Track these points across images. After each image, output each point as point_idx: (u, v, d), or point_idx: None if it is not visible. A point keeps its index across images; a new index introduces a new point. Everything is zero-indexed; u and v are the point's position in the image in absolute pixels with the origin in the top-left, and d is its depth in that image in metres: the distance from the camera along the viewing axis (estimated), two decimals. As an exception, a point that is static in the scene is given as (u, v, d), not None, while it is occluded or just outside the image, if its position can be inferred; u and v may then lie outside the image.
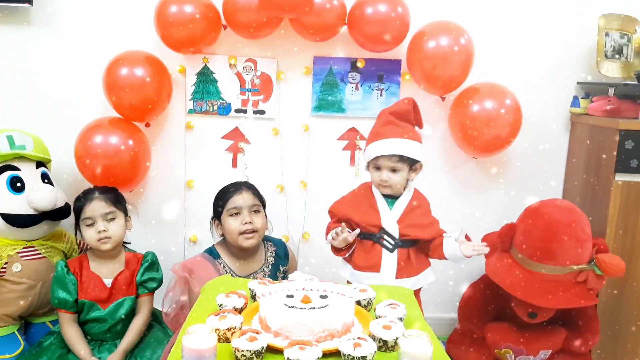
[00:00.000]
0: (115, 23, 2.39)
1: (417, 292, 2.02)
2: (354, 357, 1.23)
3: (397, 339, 1.30)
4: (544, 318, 2.03)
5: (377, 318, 1.42)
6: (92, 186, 2.15)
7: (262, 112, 2.50)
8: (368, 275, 1.95)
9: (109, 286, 2.03)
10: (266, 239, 2.22)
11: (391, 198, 1.98)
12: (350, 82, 2.49)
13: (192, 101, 2.48)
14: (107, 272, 2.05)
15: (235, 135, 2.52)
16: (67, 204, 2.19)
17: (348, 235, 1.90)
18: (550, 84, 2.53)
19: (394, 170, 1.92)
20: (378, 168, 1.94)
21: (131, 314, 2.05)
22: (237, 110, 2.49)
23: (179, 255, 2.54)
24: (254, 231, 2.07)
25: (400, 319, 1.41)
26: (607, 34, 2.39)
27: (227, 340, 1.32)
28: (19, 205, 2.07)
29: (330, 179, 2.53)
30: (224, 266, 2.09)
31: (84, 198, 2.04)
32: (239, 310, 1.46)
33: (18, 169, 2.10)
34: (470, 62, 2.31)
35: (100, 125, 2.28)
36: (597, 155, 2.32)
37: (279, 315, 1.33)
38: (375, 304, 1.50)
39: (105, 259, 2.06)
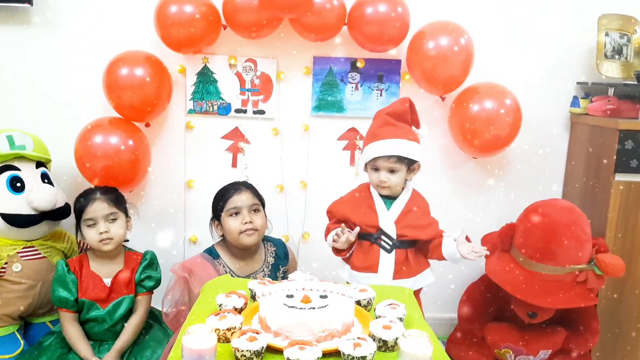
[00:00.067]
0: (115, 23, 2.39)
1: (417, 293, 2.01)
2: (354, 357, 1.23)
3: (397, 339, 1.30)
4: (544, 318, 2.03)
5: (377, 318, 1.42)
6: (92, 186, 2.15)
7: (262, 112, 2.50)
8: (365, 275, 1.95)
9: (109, 285, 2.03)
10: (266, 239, 2.22)
11: (389, 199, 1.97)
12: (350, 82, 2.49)
13: (192, 101, 2.48)
14: (107, 271, 2.05)
15: (235, 135, 2.52)
16: (67, 204, 2.19)
17: (349, 234, 1.90)
18: (550, 84, 2.53)
19: (392, 171, 1.92)
20: (376, 169, 1.93)
21: (130, 313, 2.06)
22: (237, 110, 2.49)
23: (179, 255, 2.53)
24: (254, 230, 2.07)
25: (400, 319, 1.41)
26: (607, 34, 2.39)
27: (227, 340, 1.32)
28: (19, 205, 2.07)
29: (330, 179, 2.53)
30: (223, 266, 2.09)
31: (85, 198, 2.04)
32: (239, 310, 1.46)
33: (18, 169, 2.10)
34: (470, 62, 2.31)
35: (100, 125, 2.28)
36: (597, 155, 2.32)
37: (279, 315, 1.33)
38: (375, 304, 1.50)
39: (105, 259, 2.06)
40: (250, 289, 1.58)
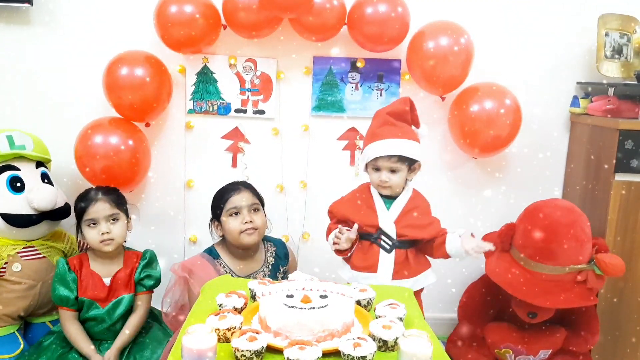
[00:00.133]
0: (115, 23, 2.39)
1: (418, 294, 2.01)
2: (354, 357, 1.23)
3: (397, 338, 1.30)
4: (544, 318, 2.03)
5: (377, 318, 1.42)
6: (92, 186, 2.15)
7: (262, 112, 2.50)
8: (365, 275, 1.94)
9: (108, 285, 2.03)
10: (266, 239, 2.22)
11: (389, 198, 1.97)
12: (350, 82, 2.49)
13: (192, 101, 2.48)
14: (106, 270, 2.05)
15: (235, 135, 2.52)
16: (67, 204, 2.19)
17: (349, 233, 1.90)
18: (550, 84, 2.53)
19: (393, 171, 1.91)
20: (377, 169, 1.93)
21: (130, 312, 2.06)
22: (237, 110, 2.49)
23: (179, 255, 2.54)
24: (254, 229, 2.07)
25: (400, 319, 1.41)
26: (606, 34, 2.39)
27: (227, 340, 1.32)
28: (19, 205, 2.07)
29: (330, 179, 2.53)
30: (223, 266, 2.09)
31: (87, 199, 2.03)
32: (239, 310, 1.46)
33: (18, 169, 2.10)
34: (470, 62, 2.31)
35: (100, 125, 2.28)
36: (597, 155, 2.32)
37: (279, 315, 1.33)
38: (375, 303, 1.50)
39: (105, 258, 2.06)
40: (250, 289, 1.58)
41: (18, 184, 2.08)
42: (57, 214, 2.15)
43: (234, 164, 2.54)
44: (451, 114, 2.42)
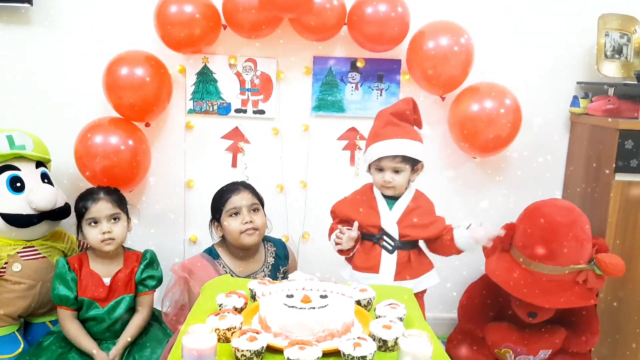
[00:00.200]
0: (115, 23, 2.39)
1: (421, 295, 2.01)
2: (354, 357, 1.23)
3: (397, 338, 1.30)
4: (544, 318, 2.03)
5: (377, 318, 1.42)
6: (92, 186, 2.15)
7: (262, 112, 2.50)
8: (367, 276, 1.94)
9: (108, 285, 2.03)
10: (266, 239, 2.22)
11: (392, 199, 1.97)
12: (350, 82, 2.49)
13: (192, 101, 2.48)
14: (106, 270, 2.05)
15: (235, 135, 2.52)
16: (67, 204, 2.19)
17: (350, 232, 1.90)
18: (550, 84, 2.53)
19: (396, 171, 1.91)
20: (380, 169, 1.93)
21: (129, 312, 2.06)
22: (237, 110, 2.49)
23: (179, 255, 2.53)
24: (254, 229, 2.07)
25: (400, 319, 1.41)
26: (606, 34, 2.39)
27: (227, 340, 1.32)
28: (19, 205, 2.07)
29: (330, 179, 2.53)
30: (223, 266, 2.09)
31: (88, 198, 2.03)
32: (239, 310, 1.46)
33: (18, 169, 2.10)
34: (470, 62, 2.31)
35: (100, 125, 2.28)
36: (597, 155, 2.32)
37: (279, 315, 1.33)
38: (375, 303, 1.50)
39: (105, 258, 2.06)
40: (250, 289, 1.58)
41: (18, 184, 2.08)
42: (57, 214, 2.15)
43: (234, 164, 2.54)
44: (451, 114, 2.43)
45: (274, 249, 2.22)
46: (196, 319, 1.43)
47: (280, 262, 2.20)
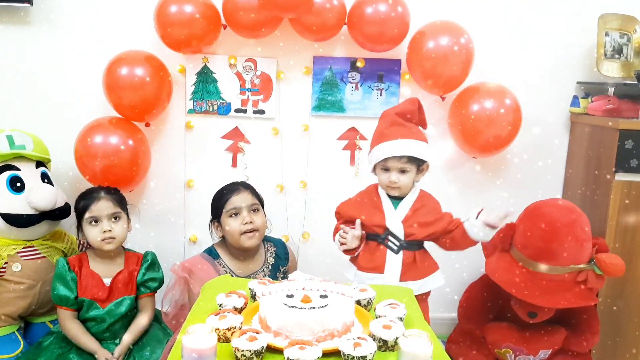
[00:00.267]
0: (115, 23, 2.39)
1: (425, 297, 2.00)
2: (354, 357, 1.23)
3: (397, 338, 1.30)
4: (544, 318, 2.03)
5: (377, 318, 1.42)
6: (92, 186, 2.15)
7: (262, 111, 2.50)
8: (371, 276, 1.93)
9: (108, 285, 2.03)
10: (266, 239, 2.22)
11: (396, 199, 1.96)
12: (350, 82, 2.49)
13: (192, 101, 2.48)
14: (106, 271, 2.04)
15: (235, 135, 2.52)
16: (67, 204, 2.19)
17: (354, 230, 1.90)
18: (550, 84, 2.53)
19: (402, 172, 1.91)
20: (386, 169, 1.92)
21: (130, 313, 2.05)
22: (237, 110, 2.49)
23: (179, 255, 2.53)
24: (254, 230, 2.07)
25: (400, 319, 1.41)
26: (606, 34, 2.39)
27: (227, 340, 1.32)
28: (19, 205, 2.07)
29: (330, 179, 2.53)
30: (223, 266, 2.09)
31: (89, 197, 2.03)
32: (239, 310, 1.46)
33: (18, 169, 2.10)
34: (470, 62, 2.31)
35: (100, 125, 2.28)
36: (596, 154, 2.32)
37: (279, 315, 1.33)
38: (375, 303, 1.50)
39: (105, 259, 2.06)
40: (250, 289, 1.58)
41: (18, 184, 2.08)
42: (57, 214, 2.15)
43: (234, 164, 2.54)
44: (451, 114, 2.43)
45: (274, 249, 2.22)
46: (196, 319, 1.43)
47: (280, 262, 2.20)
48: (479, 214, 1.87)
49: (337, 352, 1.27)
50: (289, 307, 1.33)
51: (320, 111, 2.51)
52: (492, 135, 2.31)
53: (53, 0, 2.36)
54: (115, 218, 2.04)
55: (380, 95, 2.50)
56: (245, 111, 2.49)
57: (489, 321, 2.21)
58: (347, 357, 1.24)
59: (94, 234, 2.00)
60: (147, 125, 2.41)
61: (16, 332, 2.13)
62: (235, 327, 1.34)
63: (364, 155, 2.51)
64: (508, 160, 2.58)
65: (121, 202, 2.08)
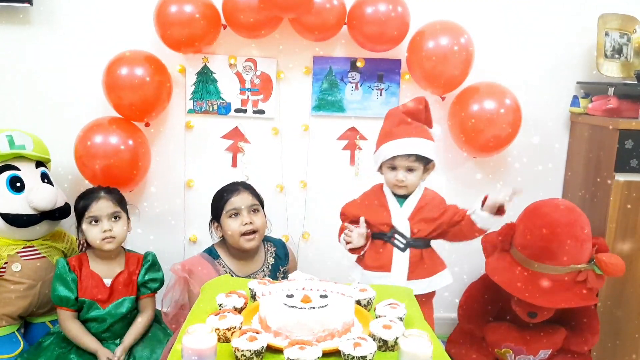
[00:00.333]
0: (115, 23, 2.39)
1: (429, 297, 2.00)
2: (354, 357, 1.23)
3: (397, 338, 1.30)
4: (544, 318, 2.03)
5: (377, 318, 1.42)
6: (92, 186, 2.15)
7: (261, 111, 2.50)
8: (378, 275, 1.93)
9: (109, 286, 2.03)
10: (266, 239, 2.22)
11: (402, 197, 1.96)
12: (350, 82, 2.49)
13: (191, 101, 2.48)
14: (106, 271, 2.04)
15: (235, 135, 2.52)
16: (67, 204, 2.19)
17: (359, 229, 1.90)
18: (550, 84, 2.53)
19: (410, 170, 1.91)
20: (393, 168, 1.92)
21: (130, 313, 2.05)
22: (237, 110, 2.49)
23: (179, 255, 2.53)
24: (254, 231, 2.07)
25: (400, 319, 1.41)
26: (606, 34, 2.39)
27: (227, 340, 1.32)
28: (19, 205, 2.07)
29: (330, 179, 2.53)
30: (223, 266, 2.09)
31: (89, 197, 2.03)
32: (239, 310, 1.46)
33: (18, 169, 2.10)
34: (470, 62, 2.31)
35: (100, 125, 2.28)
36: (596, 154, 2.32)
37: (279, 315, 1.33)
38: (375, 303, 1.50)
39: (105, 259, 2.06)
40: (250, 289, 1.58)
41: (18, 184, 2.08)
42: (57, 214, 2.15)
43: (234, 164, 2.54)
44: (451, 114, 2.42)
45: (274, 249, 2.22)
46: (196, 319, 1.43)
47: (280, 262, 2.20)
48: (483, 202, 1.86)
49: (337, 352, 1.27)
50: (289, 307, 1.33)
51: (320, 111, 2.51)
52: (492, 135, 2.31)
53: (53, 0, 2.36)
54: (115, 218, 2.04)
55: (380, 95, 2.50)
56: (245, 111, 2.49)
57: (489, 321, 2.21)
58: (347, 357, 1.24)
59: (94, 233, 2.00)
60: (147, 125, 2.41)
61: (16, 332, 2.13)
62: (235, 327, 1.34)
63: (364, 155, 2.51)
64: (508, 161, 2.58)
65: (121, 202, 2.08)
